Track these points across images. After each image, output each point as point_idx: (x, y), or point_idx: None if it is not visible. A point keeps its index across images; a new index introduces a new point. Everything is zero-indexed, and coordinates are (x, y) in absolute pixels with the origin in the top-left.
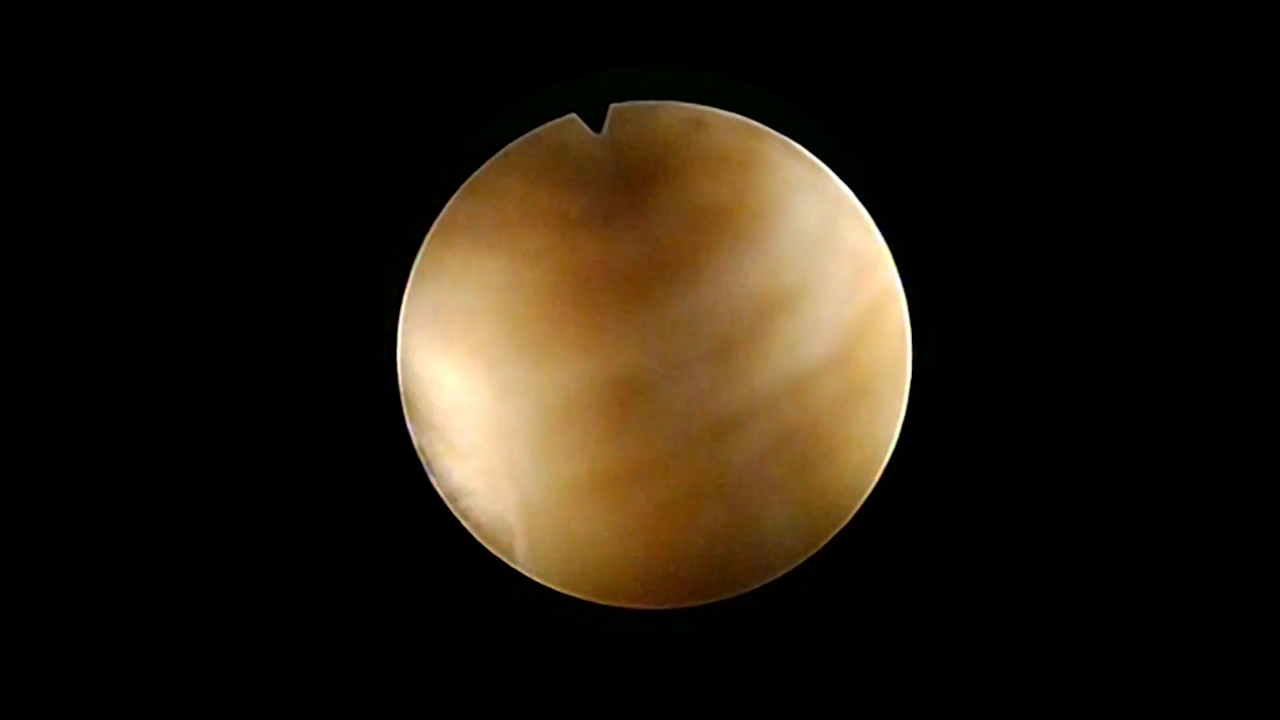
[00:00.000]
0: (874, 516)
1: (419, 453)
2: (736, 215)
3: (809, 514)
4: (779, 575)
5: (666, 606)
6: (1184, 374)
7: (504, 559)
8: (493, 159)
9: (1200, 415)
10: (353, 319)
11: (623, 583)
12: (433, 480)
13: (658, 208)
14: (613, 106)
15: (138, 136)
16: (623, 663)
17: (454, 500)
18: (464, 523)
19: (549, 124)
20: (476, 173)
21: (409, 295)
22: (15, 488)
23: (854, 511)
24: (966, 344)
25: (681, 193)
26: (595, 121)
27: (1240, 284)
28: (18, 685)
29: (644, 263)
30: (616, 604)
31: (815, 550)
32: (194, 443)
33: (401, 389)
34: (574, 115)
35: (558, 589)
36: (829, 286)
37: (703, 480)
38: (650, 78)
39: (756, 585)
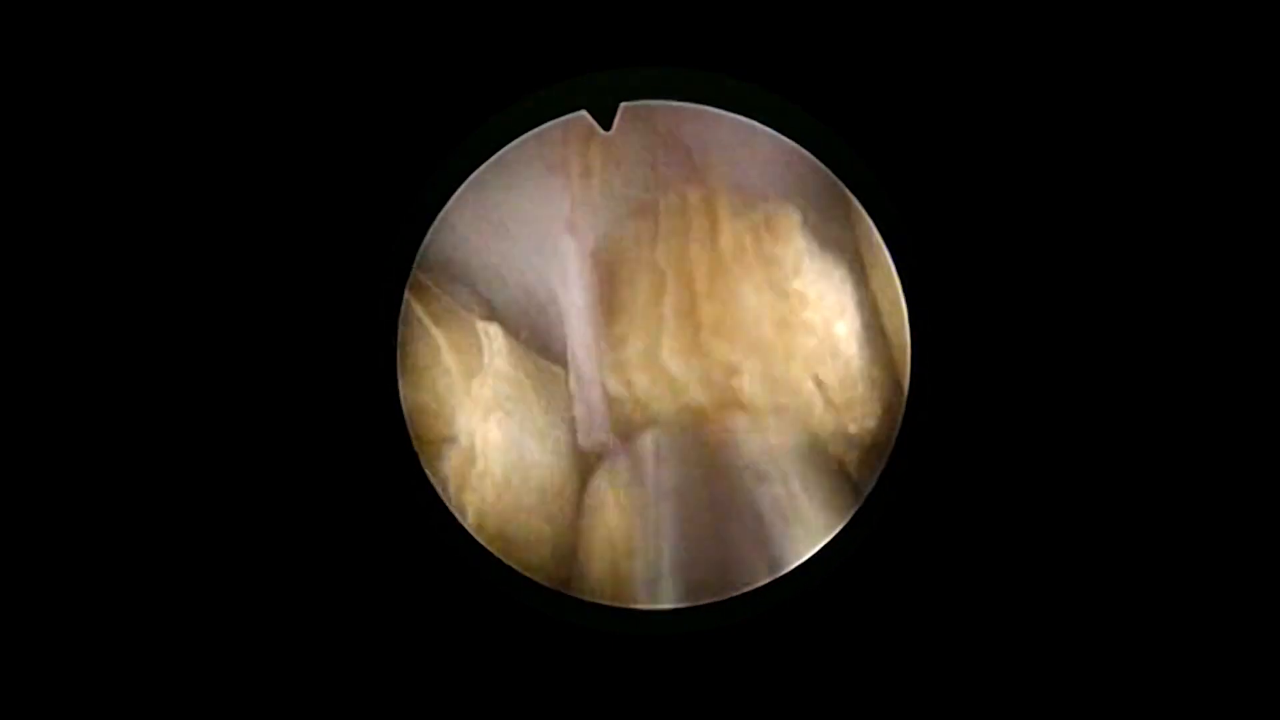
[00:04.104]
0: (874, 514)
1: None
2: None
3: None
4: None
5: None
6: (1182, 374)
7: None
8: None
9: (1197, 409)
10: (358, 309)
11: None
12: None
13: None
14: (622, 105)
15: (142, 138)
16: (623, 662)
17: None
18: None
19: (559, 119)
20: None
21: None
22: (19, 489)
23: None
24: (966, 343)
25: None
26: (604, 119)
27: (1235, 284)
28: (18, 685)
29: None
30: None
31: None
32: (192, 441)
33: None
34: (584, 111)
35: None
36: None
37: None
38: (655, 78)
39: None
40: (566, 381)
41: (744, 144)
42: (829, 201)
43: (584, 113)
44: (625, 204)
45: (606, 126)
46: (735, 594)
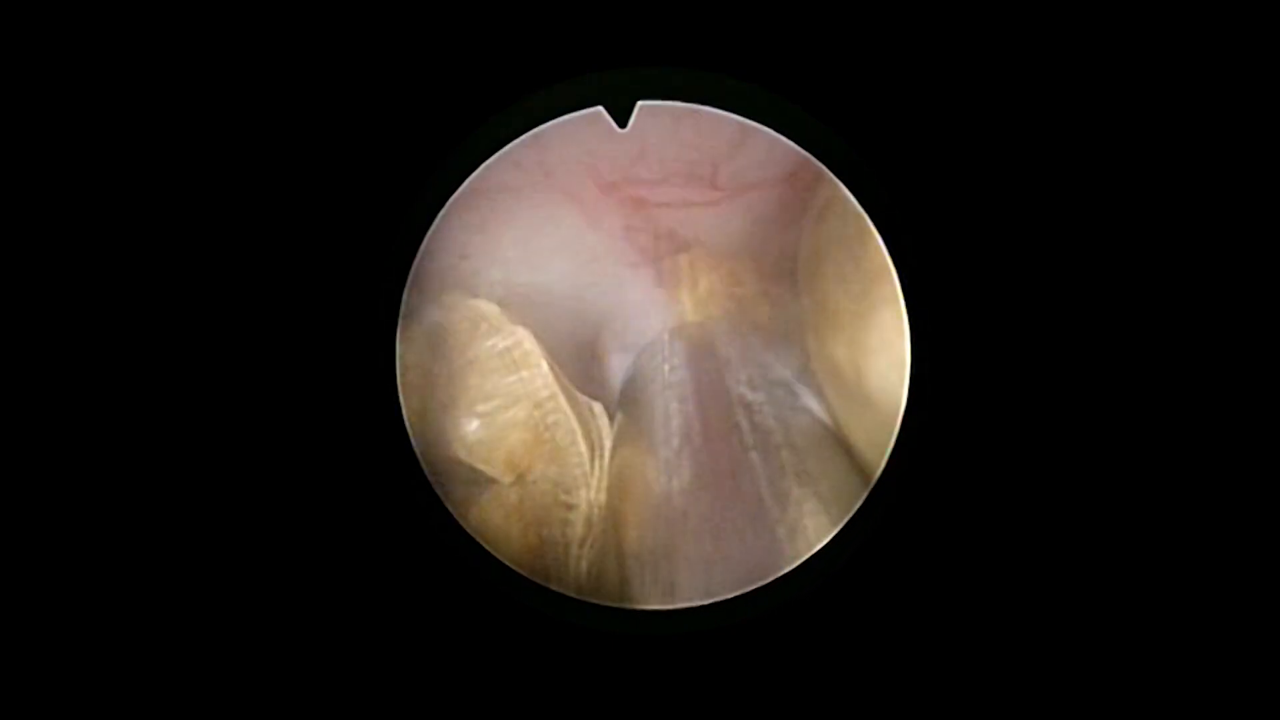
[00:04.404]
0: (874, 514)
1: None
2: None
3: None
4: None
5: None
6: (1184, 372)
7: None
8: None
9: (1198, 408)
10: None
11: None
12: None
13: None
14: (640, 104)
15: (142, 139)
16: (623, 662)
17: None
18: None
19: (575, 114)
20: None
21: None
22: (20, 494)
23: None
24: (965, 345)
25: None
26: (621, 117)
27: (1232, 284)
28: (19, 685)
29: None
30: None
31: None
32: (191, 444)
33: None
34: (601, 108)
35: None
36: None
37: None
38: (655, 78)
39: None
40: None
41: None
42: (775, 256)
43: (600, 111)
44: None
45: (622, 124)
46: (735, 594)
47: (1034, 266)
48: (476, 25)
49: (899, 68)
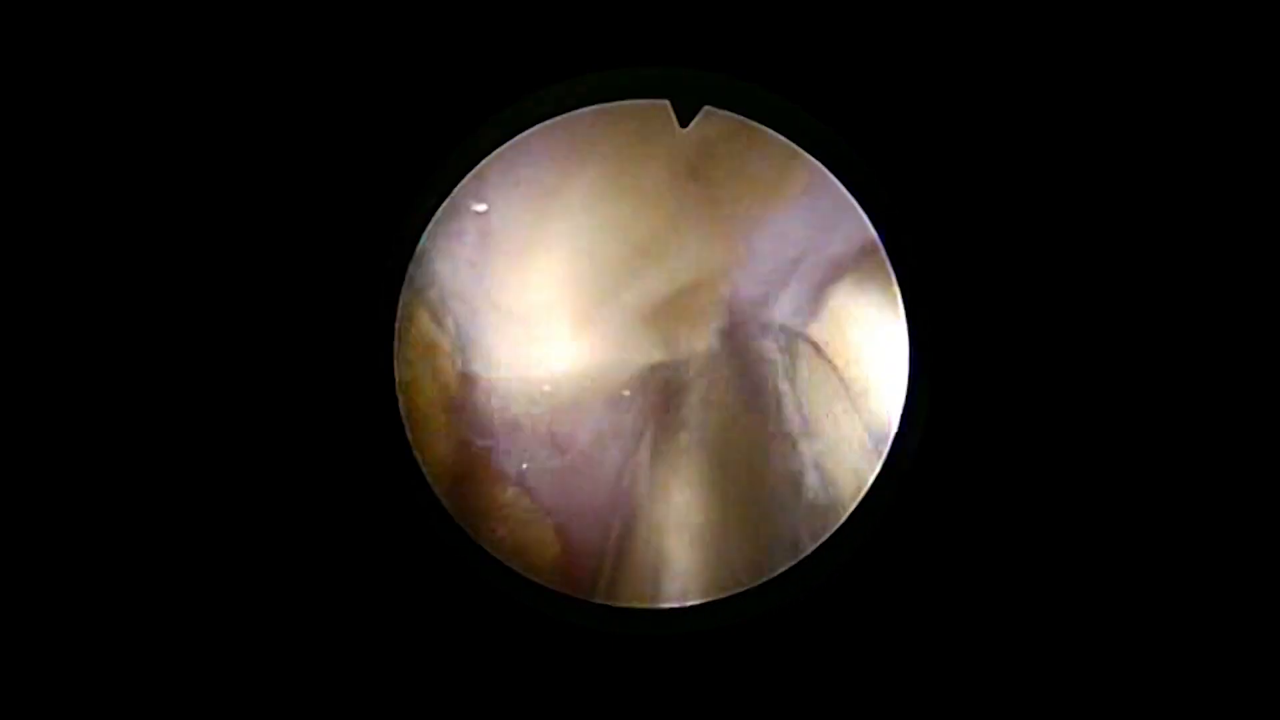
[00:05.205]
0: (873, 515)
1: None
2: None
3: None
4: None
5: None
6: (1190, 375)
7: None
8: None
9: (1205, 410)
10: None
11: None
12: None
13: None
14: (705, 108)
15: (144, 137)
16: (622, 662)
17: None
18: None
19: (639, 101)
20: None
21: None
22: (19, 492)
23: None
24: (964, 347)
25: None
26: (684, 116)
27: (1228, 280)
28: (17, 685)
29: None
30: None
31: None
32: (188, 445)
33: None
34: (667, 101)
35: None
36: None
37: None
38: (655, 77)
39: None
40: None
41: None
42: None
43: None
44: None
45: (683, 124)
46: (734, 593)
47: (1035, 268)
48: (478, 25)
49: (899, 68)
